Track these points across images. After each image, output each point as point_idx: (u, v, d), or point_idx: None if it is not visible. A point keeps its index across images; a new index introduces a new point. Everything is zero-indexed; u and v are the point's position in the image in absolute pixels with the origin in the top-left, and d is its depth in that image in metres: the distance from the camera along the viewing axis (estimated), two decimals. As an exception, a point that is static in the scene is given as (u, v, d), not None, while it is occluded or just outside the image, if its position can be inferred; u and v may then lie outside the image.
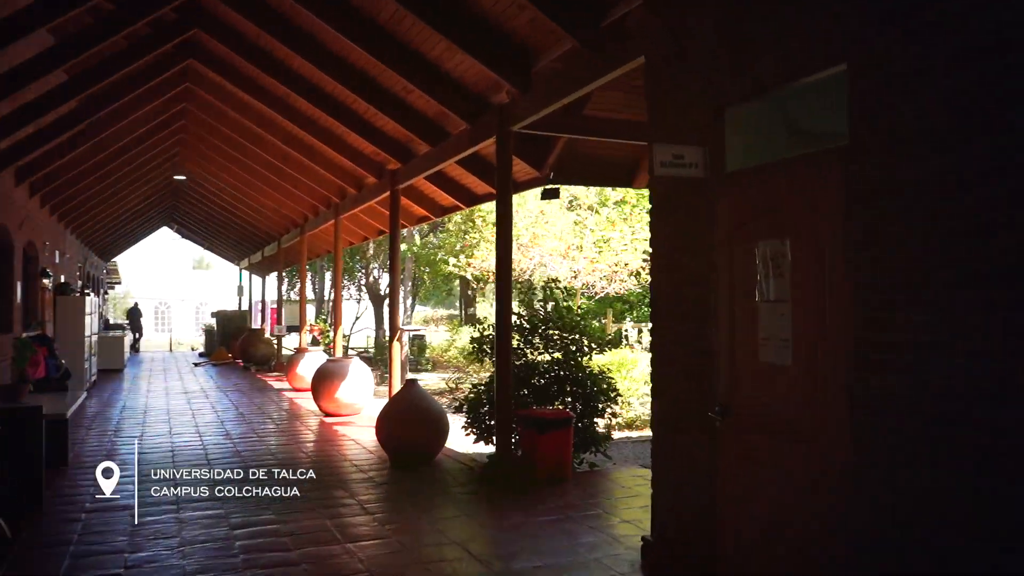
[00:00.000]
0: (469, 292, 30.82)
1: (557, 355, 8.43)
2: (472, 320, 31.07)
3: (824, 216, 3.71)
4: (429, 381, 19.15)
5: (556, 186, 8.76)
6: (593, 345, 8.45)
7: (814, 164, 3.83)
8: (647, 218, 16.45)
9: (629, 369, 11.97)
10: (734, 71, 4.31)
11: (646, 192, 17.58)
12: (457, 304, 54.29)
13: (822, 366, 3.72)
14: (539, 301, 8.74)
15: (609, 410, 8.42)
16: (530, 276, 16.57)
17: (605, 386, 8.32)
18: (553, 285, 8.99)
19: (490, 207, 18.25)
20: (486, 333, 8.81)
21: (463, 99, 7.89)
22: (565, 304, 8.60)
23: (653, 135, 4.99)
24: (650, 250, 5.03)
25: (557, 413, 7.60)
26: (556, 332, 8.43)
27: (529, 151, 8.50)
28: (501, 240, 7.54)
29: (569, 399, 8.38)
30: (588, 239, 14.38)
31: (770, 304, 4.05)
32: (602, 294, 14.26)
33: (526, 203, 16.87)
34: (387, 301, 29.04)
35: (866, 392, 3.43)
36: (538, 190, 10.28)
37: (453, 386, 17.80)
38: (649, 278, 5.03)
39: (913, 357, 3.19)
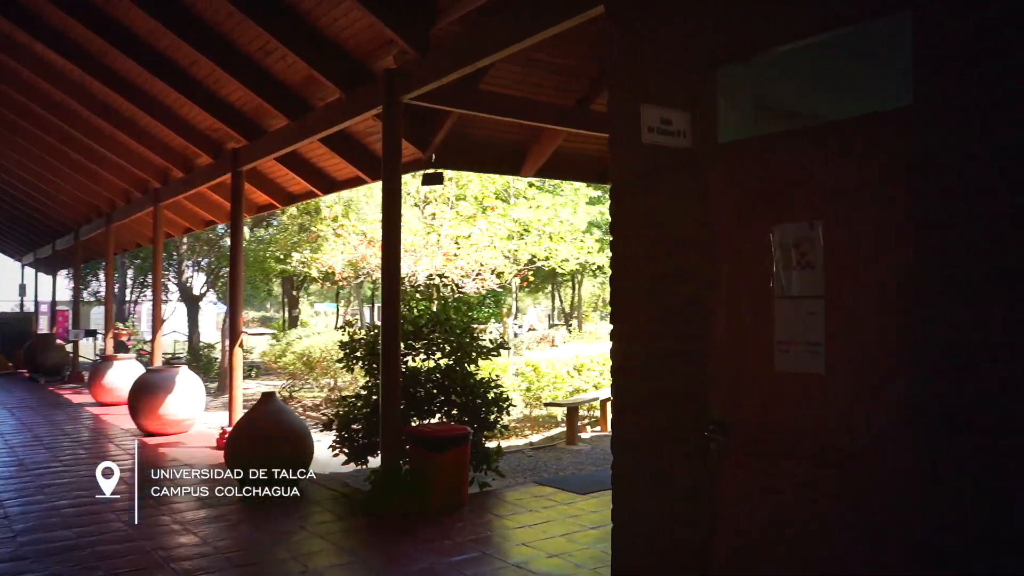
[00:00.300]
0: (294, 292, 28.80)
1: (444, 361, 7.43)
2: (296, 322, 29.08)
3: (874, 193, 3.05)
4: (254, 390, 17.40)
5: (439, 171, 7.76)
6: (483, 349, 7.52)
7: (861, 130, 3.16)
8: (504, 214, 15.71)
9: (500, 375, 11.17)
10: (740, 18, 3.57)
11: (508, 184, 16.81)
12: (269, 306, 51.20)
13: (871, 374, 3.05)
14: (420, 300, 7.71)
15: (500, 423, 7.54)
16: (370, 272, 15.33)
17: (495, 395, 7.44)
18: (440, 282, 7.98)
19: (332, 198, 16.81)
20: (358, 337, 7.65)
21: (341, 63, 6.70)
22: (454, 303, 7.61)
23: (619, 102, 4.16)
24: (611, 238, 4.21)
25: (453, 429, 6.61)
26: (440, 335, 7.43)
27: (412, 129, 7.45)
28: (388, 230, 6.45)
29: (455, 411, 7.43)
30: (446, 235, 13.43)
31: (793, 301, 3.34)
32: (456, 294, 13.44)
33: (373, 195, 15.61)
34: (203, 301, 26.45)
35: (934, 405, 2.79)
36: (409, 175, 9.23)
37: (287, 395, 16.20)
38: (611, 271, 4.23)
39: (1002, 363, 2.58)
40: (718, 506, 3.62)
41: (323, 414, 7.09)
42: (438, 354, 7.49)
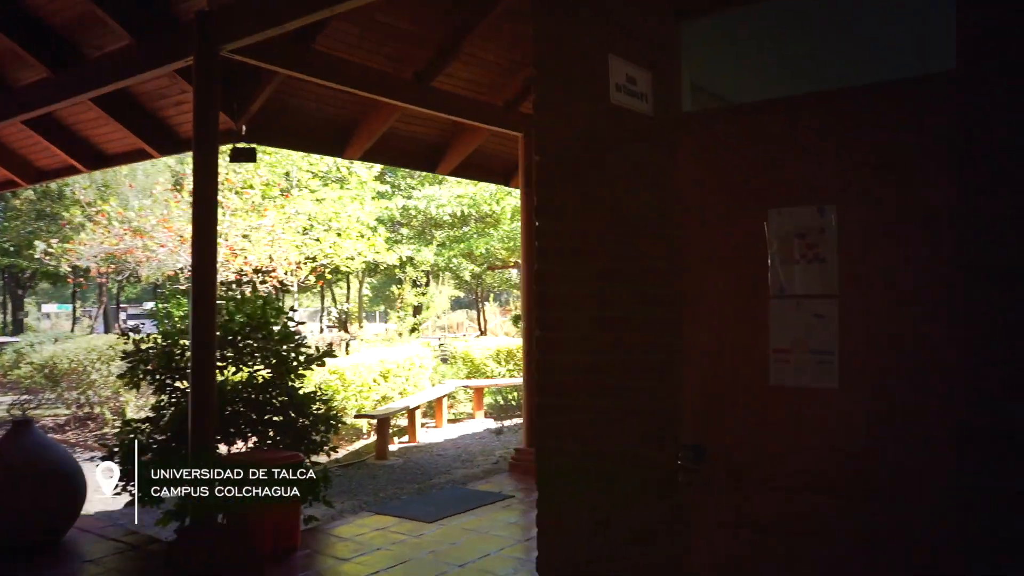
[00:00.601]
0: (19, 292, 24.63)
1: (263, 373, 6.22)
2: (21, 327, 24.95)
3: (908, 172, 2.58)
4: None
5: (251, 146, 6.49)
6: (308, 358, 6.40)
7: (888, 98, 2.67)
8: (285, 205, 14.23)
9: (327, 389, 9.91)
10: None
11: (289, 172, 15.25)
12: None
13: (907, 389, 2.57)
14: (231, 301, 6.43)
15: (329, 444, 6.47)
16: (137, 266, 13.22)
17: (324, 411, 6.36)
18: (257, 279, 6.72)
19: (84, 179, 14.28)
20: (147, 346, 6.18)
21: (132, -1, 5.30)
22: (275, 306, 6.41)
23: (550, 57, 3.40)
24: (538, 224, 3.43)
25: (283, 457, 5.46)
26: (257, 342, 6.21)
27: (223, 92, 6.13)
28: (201, 214, 5.18)
29: (272, 432, 6.24)
30: (231, 226, 11.70)
31: (794, 301, 2.79)
32: (236, 293, 11.81)
33: (136, 177, 13.44)
34: None
35: (993, 424, 2.36)
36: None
37: (20, 413, 13.50)
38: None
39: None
40: (686, 550, 3.00)
41: (103, 443, 5.63)
42: (252, 364, 6.26)
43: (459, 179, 22.37)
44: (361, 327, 25.68)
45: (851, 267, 2.66)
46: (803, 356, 2.75)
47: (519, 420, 12.32)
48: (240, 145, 6.41)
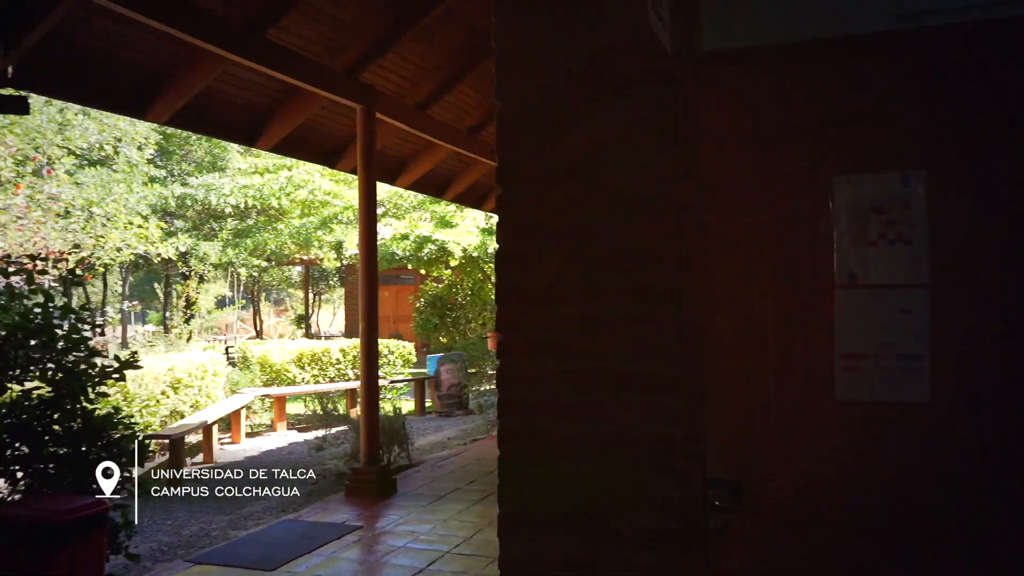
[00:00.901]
0: None
1: (42, 391, 4.75)
2: None
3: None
4: None
5: (22, 94, 4.95)
6: (105, 370, 5.01)
7: (1000, 34, 2.15)
8: (62, 185, 11.96)
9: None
10: None
11: (40, 145, 12.82)
12: None
13: (1020, 402, 2.07)
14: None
15: (130, 479, 5.10)
16: None
17: (126, 438, 5.01)
18: (32, 268, 5.18)
19: None
20: None
21: None
22: (59, 305, 4.93)
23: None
24: (499, 191, 2.59)
25: (83, 505, 4.11)
26: (35, 352, 4.73)
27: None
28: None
29: (52, 467, 4.80)
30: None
31: (870, 293, 2.21)
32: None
33: None
34: None
35: None
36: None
37: None
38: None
39: None
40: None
41: None
42: (24, 379, 4.78)
43: (243, 169, 20.50)
44: (125, 330, 22.75)
45: (946, 249, 2.13)
46: (884, 363, 2.17)
47: (337, 430, 11.14)
48: (6, 92, 4.87)
